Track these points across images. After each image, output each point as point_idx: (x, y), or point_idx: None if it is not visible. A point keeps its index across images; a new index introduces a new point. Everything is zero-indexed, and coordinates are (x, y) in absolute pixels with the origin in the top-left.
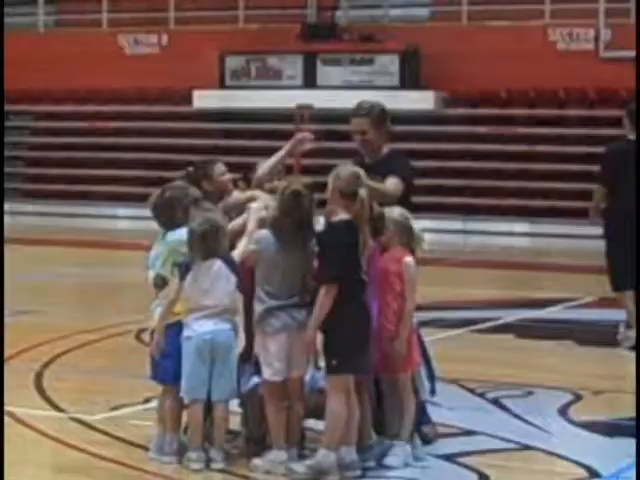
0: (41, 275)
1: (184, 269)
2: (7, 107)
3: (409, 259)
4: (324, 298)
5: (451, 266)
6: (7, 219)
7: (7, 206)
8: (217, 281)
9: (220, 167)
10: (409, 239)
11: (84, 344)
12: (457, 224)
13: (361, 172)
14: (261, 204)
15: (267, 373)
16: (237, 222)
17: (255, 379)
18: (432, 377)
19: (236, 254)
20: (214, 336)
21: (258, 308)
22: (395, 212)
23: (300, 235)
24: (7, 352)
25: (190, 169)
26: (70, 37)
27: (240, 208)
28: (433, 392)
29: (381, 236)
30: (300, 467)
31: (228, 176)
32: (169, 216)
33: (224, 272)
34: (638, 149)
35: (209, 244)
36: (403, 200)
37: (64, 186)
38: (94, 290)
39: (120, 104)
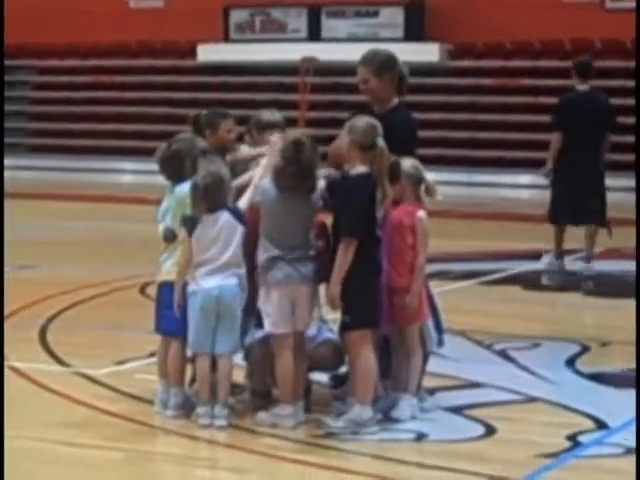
0: (44, 230)
1: (191, 224)
2: (10, 61)
3: (422, 213)
4: (344, 253)
5: (456, 218)
6: (10, 174)
7: (10, 161)
8: (224, 233)
9: (229, 123)
10: (421, 190)
11: (88, 298)
12: (462, 176)
13: (377, 122)
14: (279, 142)
15: (270, 325)
16: (243, 178)
17: (259, 332)
18: (440, 329)
19: (242, 204)
20: (220, 292)
21: (261, 257)
22: (406, 164)
23: (301, 185)
24: (11, 306)
25: (196, 114)
26: None
27: (248, 163)
28: (441, 344)
29: (397, 184)
30: (338, 422)
31: (233, 135)
32: (176, 169)
33: (231, 224)
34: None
35: (212, 198)
36: (407, 155)
37: (67, 140)
38: (98, 244)
39: (124, 58)
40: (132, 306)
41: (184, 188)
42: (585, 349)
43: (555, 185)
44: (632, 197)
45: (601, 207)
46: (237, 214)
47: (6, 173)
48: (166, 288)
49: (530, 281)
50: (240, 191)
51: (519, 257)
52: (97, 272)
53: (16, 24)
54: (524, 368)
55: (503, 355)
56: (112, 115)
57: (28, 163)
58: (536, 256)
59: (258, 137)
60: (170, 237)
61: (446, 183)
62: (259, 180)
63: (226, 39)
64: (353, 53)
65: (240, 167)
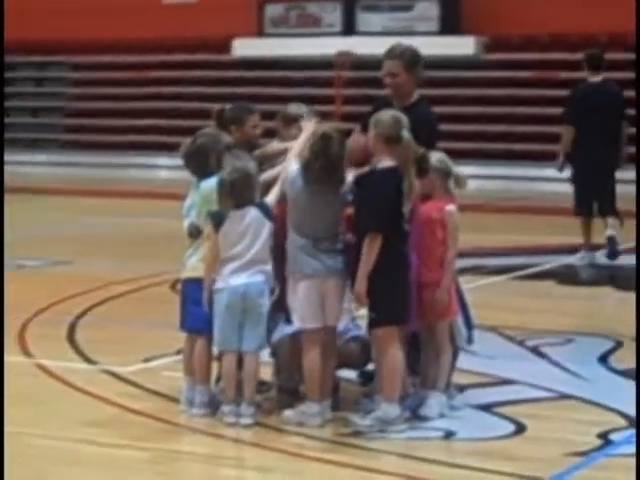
0: (79, 226)
1: (218, 219)
2: (46, 57)
3: (452, 207)
4: (369, 248)
5: (494, 212)
6: (46, 170)
7: (45, 157)
8: (252, 229)
9: (255, 118)
10: (450, 183)
11: (119, 295)
12: (499, 170)
13: (402, 115)
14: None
15: (298, 320)
16: (271, 173)
17: (288, 328)
18: (470, 325)
19: (270, 199)
20: (246, 289)
21: (290, 250)
22: (434, 157)
23: (329, 178)
24: (43, 302)
25: (220, 108)
26: None
27: (276, 158)
28: (470, 340)
29: (425, 177)
30: (365, 420)
31: (259, 130)
32: (201, 164)
33: (259, 220)
34: None
35: (239, 194)
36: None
37: (103, 136)
38: (131, 241)
39: (159, 53)
40: (162, 302)
41: (210, 183)
42: (619, 345)
43: (575, 178)
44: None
45: (611, 198)
46: (265, 210)
47: (41, 169)
48: (191, 285)
49: (565, 276)
50: (268, 186)
51: (555, 251)
52: (129, 268)
53: (52, 20)
54: (556, 364)
55: (535, 351)
56: (147, 111)
57: (63, 159)
58: (572, 250)
59: (285, 131)
60: (195, 233)
61: (483, 177)
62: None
63: (261, 34)
64: (388, 47)
65: (269, 162)
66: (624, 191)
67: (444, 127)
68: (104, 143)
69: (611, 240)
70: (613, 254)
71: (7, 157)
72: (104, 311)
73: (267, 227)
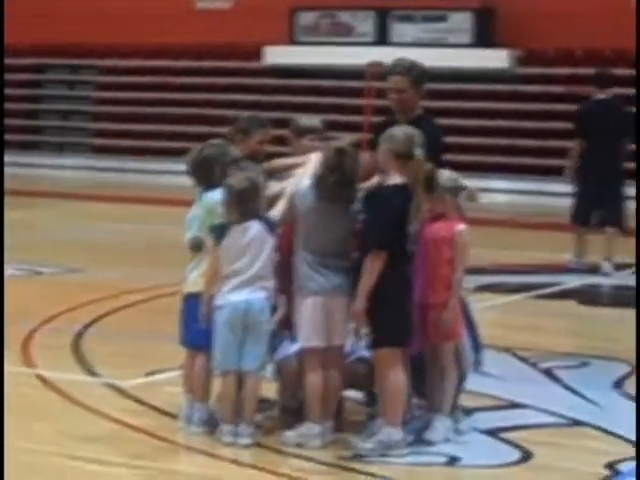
0: (97, 232)
1: (220, 233)
2: (74, 61)
3: (462, 226)
4: (371, 266)
5: (523, 228)
6: (71, 173)
7: (72, 160)
8: (254, 244)
9: (263, 134)
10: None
11: (130, 305)
12: (531, 185)
13: (415, 132)
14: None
15: (302, 338)
16: (275, 189)
17: (293, 346)
18: (478, 348)
19: (274, 214)
20: (248, 305)
21: (297, 266)
22: (443, 176)
23: (343, 194)
24: (52, 311)
25: (236, 118)
26: None
27: (282, 173)
28: (479, 363)
29: (433, 193)
30: (367, 443)
31: (264, 146)
32: (206, 175)
33: (262, 235)
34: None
35: (246, 204)
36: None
37: (130, 141)
38: (147, 248)
39: (189, 59)
40: (171, 314)
41: (214, 196)
42: (635, 370)
43: (579, 190)
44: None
45: (619, 211)
46: (269, 225)
47: (67, 173)
48: (192, 300)
49: (587, 295)
50: (271, 201)
51: (578, 270)
52: (142, 277)
53: (81, 24)
54: (569, 389)
55: (548, 374)
56: (176, 116)
57: (90, 163)
58: (596, 269)
59: (296, 143)
60: (197, 246)
61: (514, 192)
62: (294, 186)
63: (292, 41)
64: (421, 58)
65: (275, 176)
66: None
67: (476, 140)
68: (132, 148)
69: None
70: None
71: (35, 160)
72: (112, 321)
73: (269, 243)
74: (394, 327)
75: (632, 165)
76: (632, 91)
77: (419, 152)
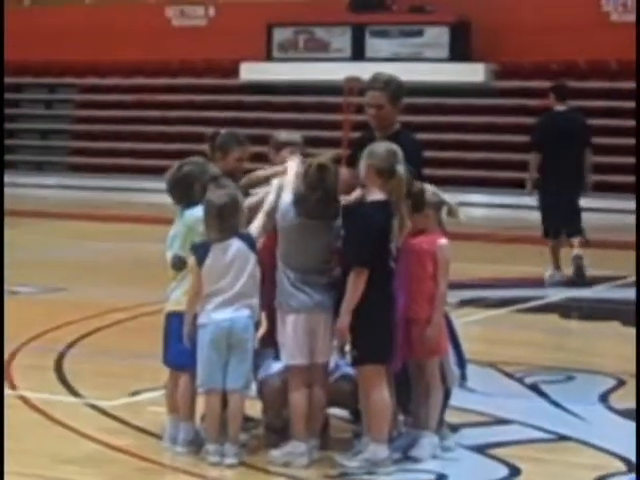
0: (79, 251)
1: (202, 253)
2: (53, 80)
3: (444, 241)
4: (354, 283)
5: (501, 242)
6: (52, 192)
7: (52, 180)
8: (237, 262)
9: (241, 151)
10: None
11: (113, 323)
12: (508, 199)
13: (397, 148)
14: (297, 163)
15: (285, 356)
16: (253, 199)
17: (276, 364)
18: (462, 363)
19: (254, 229)
20: (231, 324)
21: (278, 282)
22: (428, 192)
23: (325, 211)
24: (34, 331)
25: (214, 132)
26: (117, 9)
27: (261, 185)
28: (464, 378)
29: (421, 212)
30: (353, 462)
31: (242, 164)
32: (185, 193)
33: (243, 252)
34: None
35: (226, 219)
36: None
37: (109, 159)
38: (131, 267)
39: (167, 77)
40: (155, 332)
41: (195, 213)
42: (620, 383)
43: (542, 203)
44: (612, 218)
45: (577, 219)
46: (249, 241)
47: (47, 192)
48: (175, 319)
49: (569, 309)
50: (250, 212)
51: (562, 284)
52: (126, 296)
53: (60, 42)
54: (555, 403)
55: (534, 389)
56: (154, 134)
57: (69, 182)
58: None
59: (275, 156)
60: (179, 265)
61: (492, 206)
62: (272, 198)
63: (269, 58)
64: (397, 73)
65: (254, 189)
66: (592, 218)
67: (453, 155)
68: (110, 166)
69: (578, 258)
70: (580, 274)
71: (15, 179)
72: (95, 341)
73: (252, 259)
74: (377, 344)
75: (596, 177)
76: (610, 103)
77: (401, 168)
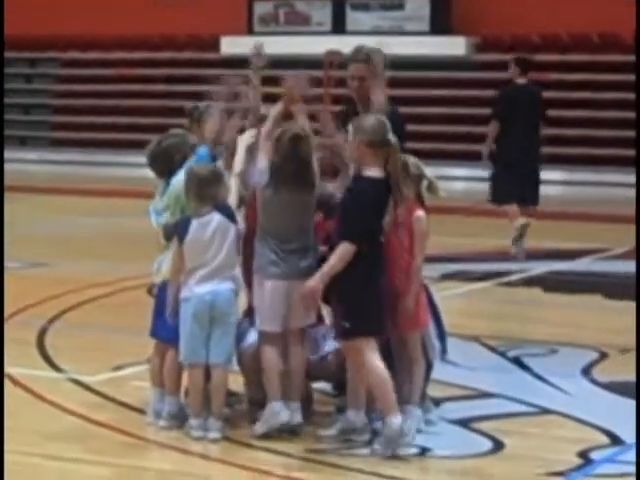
0: (62, 226)
1: (183, 229)
2: (34, 54)
3: (420, 213)
4: (340, 255)
5: (481, 215)
6: (34, 167)
7: (34, 154)
8: (217, 236)
9: (215, 121)
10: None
11: (94, 298)
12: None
13: (385, 119)
14: (251, 133)
15: (261, 323)
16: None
17: (252, 334)
18: (442, 336)
19: (231, 200)
20: (214, 297)
21: (257, 249)
22: (409, 163)
23: (300, 180)
24: (16, 306)
25: (193, 106)
26: None
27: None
28: (444, 352)
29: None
30: (329, 430)
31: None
32: (166, 166)
33: (223, 224)
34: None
35: (206, 189)
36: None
37: (91, 134)
38: (113, 241)
39: (147, 51)
40: (137, 307)
41: (180, 178)
42: (603, 356)
43: (495, 169)
44: (568, 190)
45: (536, 188)
46: (228, 213)
47: (29, 167)
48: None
49: (551, 282)
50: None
51: (542, 257)
52: (108, 270)
53: (40, 16)
54: (538, 377)
55: (517, 362)
56: (135, 108)
57: (51, 157)
58: (560, 256)
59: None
60: (172, 234)
61: (472, 179)
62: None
63: (250, 32)
64: (378, 46)
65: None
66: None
67: (434, 128)
68: (92, 141)
69: (524, 227)
70: (519, 240)
71: None
72: (78, 316)
73: (232, 231)
74: (368, 317)
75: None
76: (592, 77)
77: (393, 138)
